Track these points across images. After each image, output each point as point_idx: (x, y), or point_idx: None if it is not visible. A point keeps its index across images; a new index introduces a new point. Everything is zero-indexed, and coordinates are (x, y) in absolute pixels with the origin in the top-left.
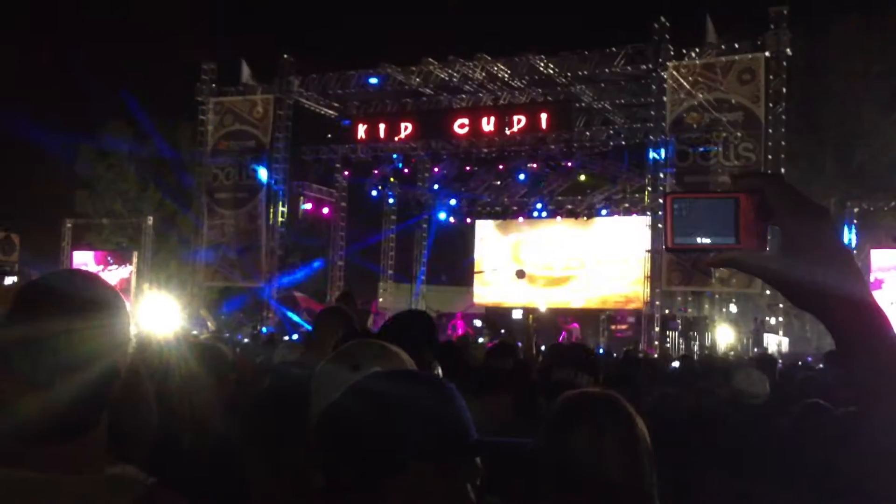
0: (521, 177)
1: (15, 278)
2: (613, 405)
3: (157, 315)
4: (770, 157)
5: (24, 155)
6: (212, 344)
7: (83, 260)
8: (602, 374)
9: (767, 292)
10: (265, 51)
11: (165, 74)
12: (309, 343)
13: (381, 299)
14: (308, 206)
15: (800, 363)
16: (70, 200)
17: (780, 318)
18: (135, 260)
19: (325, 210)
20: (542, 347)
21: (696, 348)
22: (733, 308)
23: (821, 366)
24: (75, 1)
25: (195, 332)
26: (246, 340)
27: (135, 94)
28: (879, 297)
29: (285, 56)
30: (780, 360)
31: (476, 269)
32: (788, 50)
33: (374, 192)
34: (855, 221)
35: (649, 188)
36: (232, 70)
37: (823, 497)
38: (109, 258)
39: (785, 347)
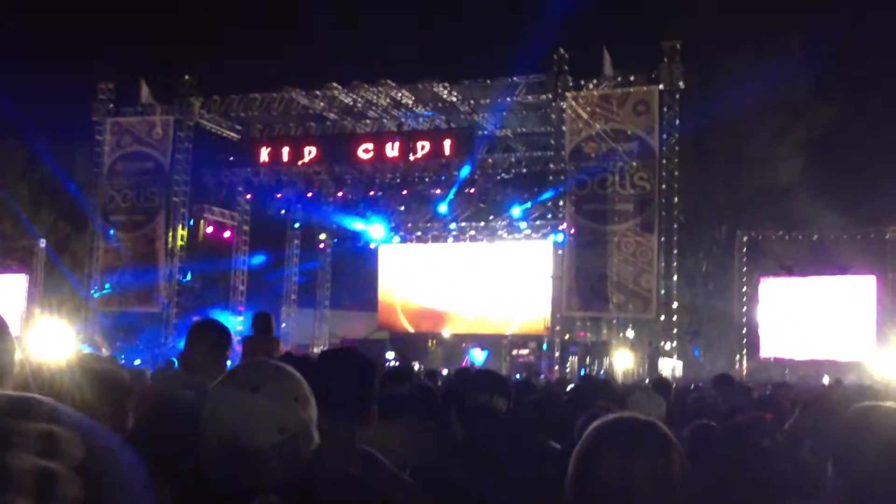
0: (425, 202)
1: None
2: (652, 433)
3: (50, 341)
4: (664, 186)
5: None
6: (109, 369)
7: None
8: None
9: (662, 318)
10: (165, 71)
11: (61, 94)
12: (184, 362)
13: (283, 324)
14: (209, 229)
15: (692, 387)
16: None
17: (675, 343)
18: (26, 284)
19: (227, 233)
20: (445, 372)
21: (594, 373)
22: (630, 333)
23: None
24: None
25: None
26: (138, 363)
27: (28, 114)
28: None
29: (186, 77)
30: (673, 384)
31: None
32: (681, 83)
33: (277, 216)
34: (744, 249)
35: (549, 215)
36: (130, 90)
37: None
38: None
39: (679, 372)
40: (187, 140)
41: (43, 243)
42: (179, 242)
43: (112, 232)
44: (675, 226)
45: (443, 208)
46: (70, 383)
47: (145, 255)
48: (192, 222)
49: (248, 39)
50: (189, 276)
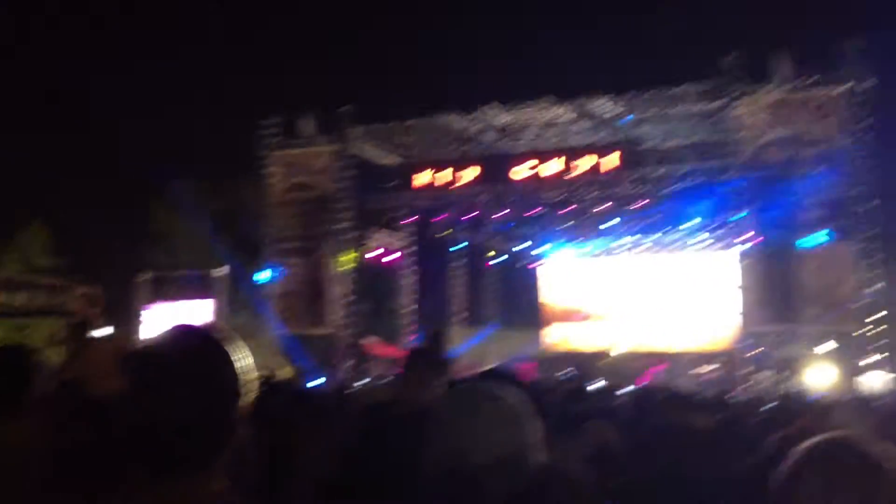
0: (590, 219)
1: (107, 330)
2: (859, 456)
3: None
4: (857, 190)
5: (100, 211)
6: (308, 389)
7: (161, 313)
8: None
9: (866, 329)
10: (327, 103)
11: (231, 129)
12: (400, 383)
13: (452, 345)
14: (375, 253)
15: None
16: (145, 255)
17: (887, 354)
18: (211, 310)
19: (392, 257)
20: (619, 391)
21: (789, 390)
22: (828, 346)
23: None
24: (146, 60)
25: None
26: (319, 383)
27: (203, 149)
28: None
29: (346, 107)
30: (885, 398)
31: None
32: (865, 82)
33: (440, 238)
34: None
35: (730, 225)
36: (295, 123)
37: None
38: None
39: (891, 385)
40: (349, 168)
41: (224, 270)
42: (347, 266)
43: (283, 259)
44: (873, 231)
45: (609, 224)
46: (271, 403)
47: (315, 281)
48: (357, 247)
49: (404, 66)
50: (357, 300)
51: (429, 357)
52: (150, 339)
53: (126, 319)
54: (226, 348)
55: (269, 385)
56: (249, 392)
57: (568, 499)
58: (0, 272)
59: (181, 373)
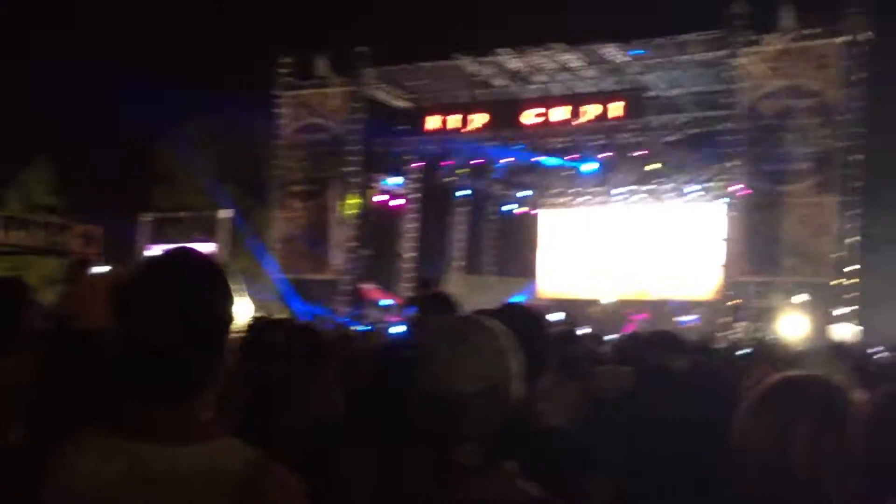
0: (593, 166)
1: (104, 268)
2: (821, 391)
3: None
4: (845, 144)
5: (103, 150)
6: (307, 326)
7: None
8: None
9: (840, 282)
10: (340, 44)
11: (242, 69)
12: (415, 327)
13: (450, 291)
14: (380, 197)
15: (873, 352)
16: (148, 195)
17: (856, 307)
18: (214, 252)
19: (397, 202)
20: (605, 338)
21: (765, 338)
22: (803, 297)
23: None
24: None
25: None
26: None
27: (212, 90)
28: None
29: (360, 48)
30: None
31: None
32: (866, 35)
33: (444, 184)
34: None
35: (723, 177)
36: (307, 64)
37: None
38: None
39: (859, 336)
40: (361, 111)
41: (227, 213)
42: (351, 211)
43: (287, 203)
44: (857, 186)
45: (608, 172)
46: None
47: (319, 224)
48: (363, 191)
49: (417, 8)
50: (360, 245)
51: (442, 301)
52: (136, 269)
53: (127, 260)
54: (216, 267)
55: (265, 320)
56: (243, 325)
57: (543, 432)
58: (0, 210)
59: (166, 295)
